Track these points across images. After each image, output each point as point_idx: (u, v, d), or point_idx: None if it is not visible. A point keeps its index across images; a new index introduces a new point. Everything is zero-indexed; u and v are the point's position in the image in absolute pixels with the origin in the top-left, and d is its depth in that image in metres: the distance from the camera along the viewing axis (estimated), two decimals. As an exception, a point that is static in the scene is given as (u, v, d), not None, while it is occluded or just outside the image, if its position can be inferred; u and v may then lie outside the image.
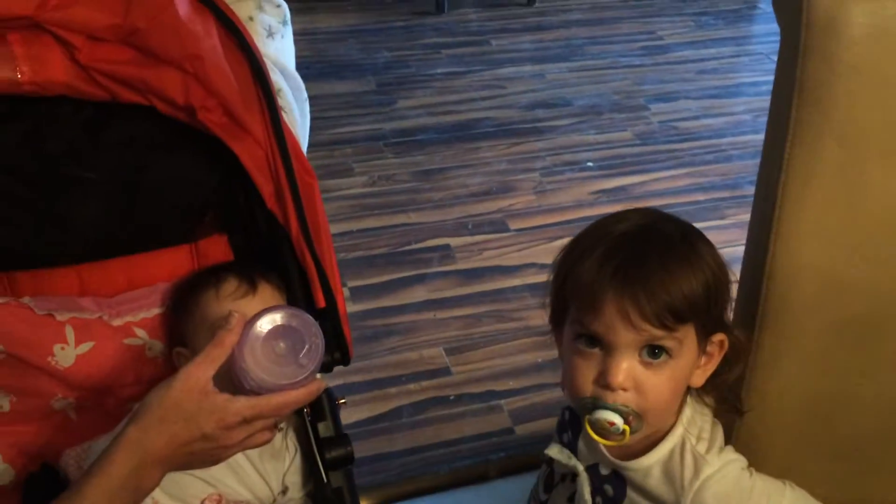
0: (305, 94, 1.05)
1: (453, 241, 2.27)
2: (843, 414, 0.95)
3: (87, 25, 0.91)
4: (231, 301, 0.92)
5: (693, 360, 0.81)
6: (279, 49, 1.01)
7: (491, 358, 1.92)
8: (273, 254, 0.98)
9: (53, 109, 0.95)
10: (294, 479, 0.94)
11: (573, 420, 0.92)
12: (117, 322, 0.98)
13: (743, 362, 0.86)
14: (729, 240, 2.28)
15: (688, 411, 0.84)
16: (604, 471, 0.88)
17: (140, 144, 0.98)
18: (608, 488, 0.87)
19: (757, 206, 0.95)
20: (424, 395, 1.81)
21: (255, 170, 0.95)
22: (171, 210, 1.01)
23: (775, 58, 3.18)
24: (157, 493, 0.86)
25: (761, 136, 3.07)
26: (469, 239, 2.28)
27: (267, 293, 0.94)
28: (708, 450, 0.83)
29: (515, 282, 2.13)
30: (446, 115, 2.85)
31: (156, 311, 1.00)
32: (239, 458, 0.91)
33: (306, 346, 0.76)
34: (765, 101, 3.33)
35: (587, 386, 0.79)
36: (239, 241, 1.05)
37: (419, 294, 2.09)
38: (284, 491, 0.93)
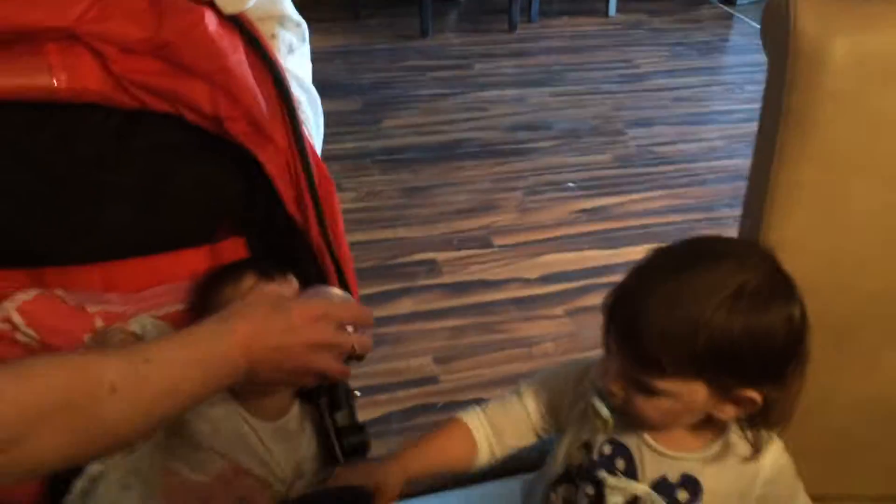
0: (321, 108, 1.11)
1: (439, 256, 2.33)
2: (824, 413, 1.02)
3: (122, 38, 0.96)
4: (250, 297, 0.97)
5: (699, 403, 0.83)
6: (298, 64, 1.07)
7: (477, 367, 1.97)
8: (290, 255, 1.04)
9: (85, 116, 1.00)
10: (311, 466, 0.99)
11: (621, 451, 0.92)
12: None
13: (775, 424, 0.86)
14: (704, 260, 2.39)
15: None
16: (672, 478, 0.90)
17: (167, 151, 1.03)
18: (681, 493, 0.89)
19: (745, 220, 1.02)
20: (412, 403, 1.86)
21: (278, 176, 1.01)
22: (194, 214, 1.06)
23: (746, 87, 3.29)
24: (181, 467, 0.92)
25: (734, 162, 3.16)
26: (454, 254, 2.34)
27: (286, 288, 1.00)
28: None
29: (500, 295, 2.20)
30: (431, 134, 2.93)
31: (178, 307, 1.05)
32: (250, 435, 0.96)
33: None
34: (736, 129, 3.44)
35: (598, 374, 0.87)
36: (256, 243, 1.11)
37: (406, 306, 2.15)
38: (302, 476, 0.98)
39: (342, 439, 0.94)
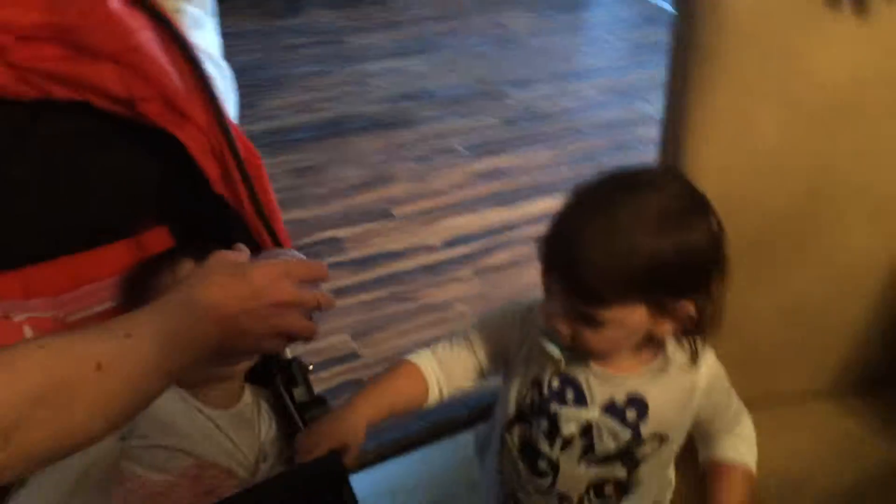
0: (235, 83, 1.08)
1: (341, 233, 2.32)
2: (746, 322, 1.10)
3: (19, 25, 0.90)
4: None
5: (641, 324, 0.88)
6: (206, 39, 1.04)
7: (395, 338, 1.98)
8: (223, 236, 1.01)
9: (-15, 111, 0.94)
10: (273, 448, 0.97)
11: (568, 382, 0.96)
12: (72, 319, 0.98)
13: (707, 328, 0.91)
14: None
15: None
16: (620, 400, 0.95)
17: (76, 141, 0.98)
18: (630, 412, 0.95)
19: (664, 149, 1.07)
20: (338, 381, 1.85)
21: (201, 155, 0.97)
22: (112, 204, 1.01)
23: (613, 43, 3.42)
24: (139, 469, 0.89)
25: (610, 113, 3.30)
26: (356, 229, 2.34)
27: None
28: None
29: (408, 265, 2.21)
30: (315, 112, 2.89)
31: (108, 304, 1.01)
32: (211, 428, 0.94)
33: None
34: (608, 82, 3.57)
35: (543, 317, 0.90)
36: (179, 230, 1.07)
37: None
38: (265, 459, 0.96)
39: (304, 414, 0.93)
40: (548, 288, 0.90)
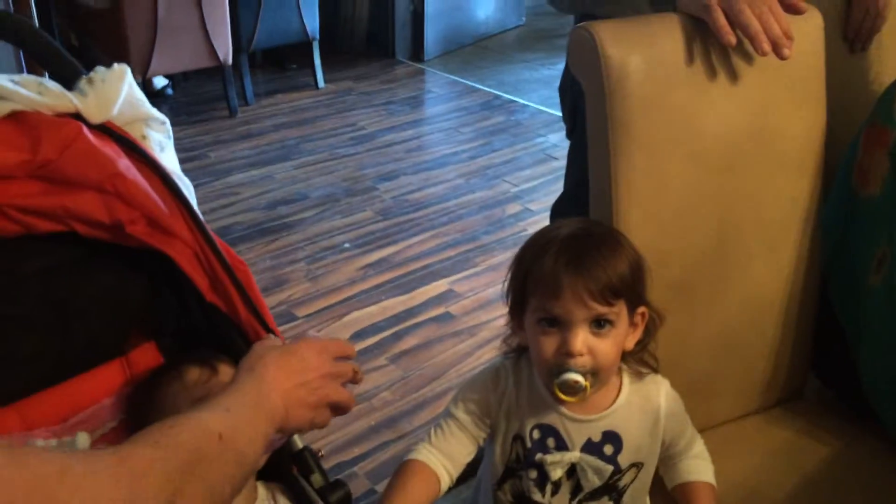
0: (195, 196, 1.13)
1: (247, 342, 2.32)
2: (683, 357, 1.24)
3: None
4: (201, 388, 0.98)
5: (627, 327, 1.02)
6: (170, 160, 1.10)
7: (328, 435, 2.00)
8: (214, 342, 1.05)
9: (-31, 252, 0.95)
10: (297, 538, 1.00)
11: (547, 431, 1.06)
12: (80, 445, 0.97)
13: (656, 330, 1.08)
14: (488, 282, 2.62)
15: (625, 367, 1.08)
16: (596, 438, 1.05)
17: (62, 271, 1.00)
18: (607, 448, 1.05)
19: (595, 210, 1.21)
20: (279, 485, 1.85)
21: (190, 268, 1.02)
22: (104, 329, 1.03)
23: (462, 129, 3.66)
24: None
25: (477, 195, 3.51)
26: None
27: (228, 373, 1.01)
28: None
29: (322, 362, 2.24)
30: (193, 228, 2.89)
31: (111, 425, 1.01)
32: None
33: None
34: (468, 166, 3.80)
35: (552, 357, 0.98)
36: (167, 343, 1.09)
37: (233, 398, 2.12)
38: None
39: (326, 499, 0.97)
40: (541, 331, 0.99)
